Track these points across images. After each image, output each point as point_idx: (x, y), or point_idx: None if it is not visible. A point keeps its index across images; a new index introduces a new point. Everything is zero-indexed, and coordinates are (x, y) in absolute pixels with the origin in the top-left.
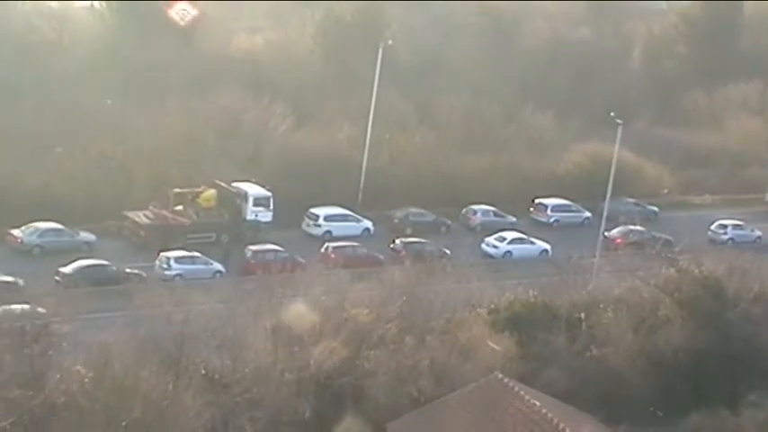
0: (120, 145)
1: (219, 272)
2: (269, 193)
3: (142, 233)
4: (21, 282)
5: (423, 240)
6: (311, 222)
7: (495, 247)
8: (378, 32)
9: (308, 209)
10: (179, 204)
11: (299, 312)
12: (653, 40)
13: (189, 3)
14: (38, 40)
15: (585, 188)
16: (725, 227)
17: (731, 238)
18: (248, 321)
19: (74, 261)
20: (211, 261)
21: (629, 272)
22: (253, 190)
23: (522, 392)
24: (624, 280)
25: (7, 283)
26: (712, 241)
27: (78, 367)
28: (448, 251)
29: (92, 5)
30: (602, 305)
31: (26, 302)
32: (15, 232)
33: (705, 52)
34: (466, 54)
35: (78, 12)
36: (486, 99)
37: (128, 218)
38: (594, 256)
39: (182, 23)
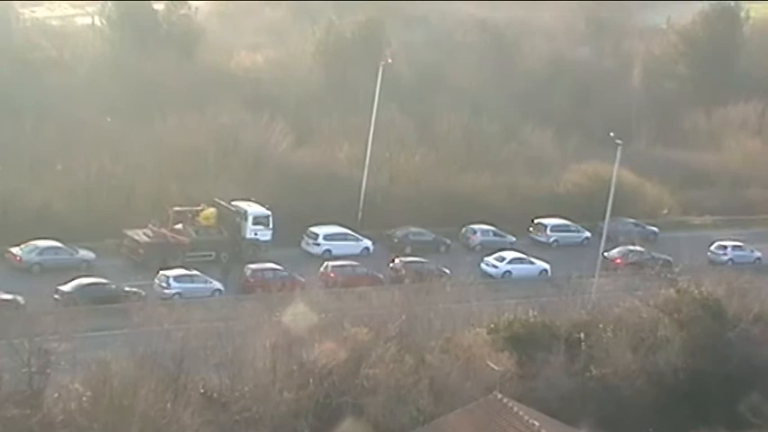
0: (120, 161)
1: (219, 290)
2: (268, 212)
3: (141, 251)
4: (20, 299)
5: (422, 260)
6: (311, 241)
7: (494, 266)
8: (378, 50)
9: (307, 227)
10: (178, 223)
11: (297, 331)
12: (653, 59)
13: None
14: (38, 57)
15: (585, 208)
16: (724, 247)
17: (731, 259)
18: (247, 340)
19: (73, 279)
20: (210, 279)
21: (628, 292)
22: (252, 208)
23: (520, 412)
24: (624, 300)
25: (7, 300)
26: (712, 262)
27: (77, 385)
28: (447, 270)
29: (92, 22)
30: (601, 325)
31: None
32: (15, 250)
33: (705, 72)
34: (466, 72)
35: (79, 29)
36: (485, 117)
37: (127, 236)
38: (594, 276)
39: None
